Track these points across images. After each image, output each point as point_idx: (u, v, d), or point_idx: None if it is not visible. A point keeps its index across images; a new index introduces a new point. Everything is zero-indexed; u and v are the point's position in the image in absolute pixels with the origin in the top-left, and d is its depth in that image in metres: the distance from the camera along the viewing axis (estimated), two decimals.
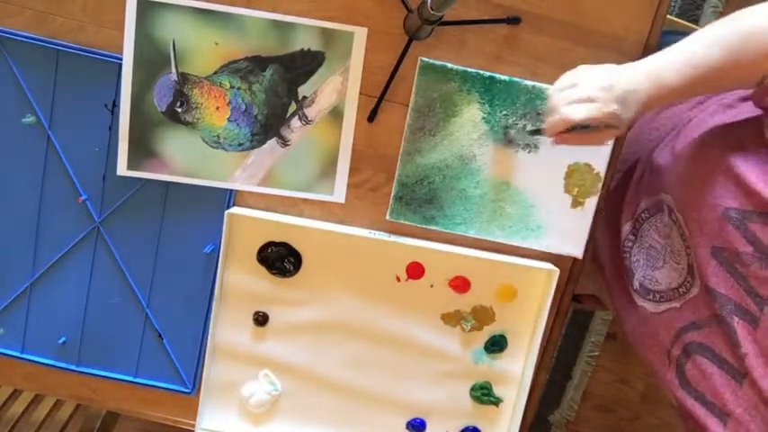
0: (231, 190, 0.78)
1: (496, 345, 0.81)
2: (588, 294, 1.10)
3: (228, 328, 0.80)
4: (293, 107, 0.75)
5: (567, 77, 0.63)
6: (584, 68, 0.63)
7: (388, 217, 0.78)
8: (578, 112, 0.60)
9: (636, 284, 0.77)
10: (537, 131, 0.70)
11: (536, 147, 0.76)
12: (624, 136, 0.78)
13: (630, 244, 0.79)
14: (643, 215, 0.78)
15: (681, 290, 0.69)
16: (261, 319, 0.80)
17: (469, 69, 0.74)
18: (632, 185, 0.83)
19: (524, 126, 0.75)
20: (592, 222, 0.78)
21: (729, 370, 0.61)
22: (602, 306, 1.10)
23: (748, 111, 0.66)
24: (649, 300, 0.74)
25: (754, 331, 0.58)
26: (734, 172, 0.60)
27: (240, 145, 0.76)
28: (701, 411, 0.64)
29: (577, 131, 0.61)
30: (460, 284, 0.80)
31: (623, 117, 0.60)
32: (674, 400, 0.69)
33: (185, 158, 0.76)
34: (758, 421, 0.58)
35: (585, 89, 0.60)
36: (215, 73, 0.74)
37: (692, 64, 0.59)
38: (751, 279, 0.58)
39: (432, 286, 0.80)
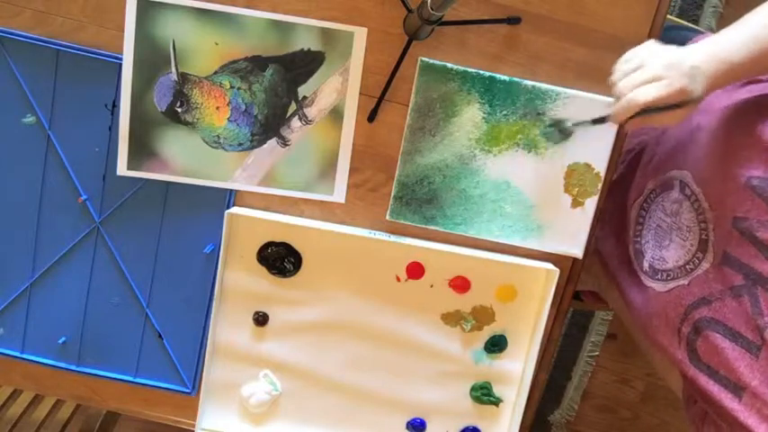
0: (231, 190, 0.78)
1: (496, 345, 0.81)
2: (588, 291, 1.10)
3: (228, 328, 0.80)
4: (293, 107, 0.75)
5: (629, 60, 0.62)
6: (647, 46, 0.63)
7: (388, 217, 0.78)
8: (646, 94, 0.59)
9: (645, 266, 0.77)
10: (601, 120, 0.68)
11: (536, 146, 0.76)
12: (625, 132, 0.78)
13: (640, 227, 0.80)
14: (651, 196, 0.79)
15: (688, 266, 0.69)
16: (261, 319, 0.80)
17: (469, 69, 0.74)
18: (639, 171, 0.83)
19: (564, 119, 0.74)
20: (592, 222, 0.78)
21: (743, 343, 0.61)
22: (602, 303, 1.10)
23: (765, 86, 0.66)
24: (657, 279, 0.74)
25: None
26: (760, 139, 0.61)
27: (240, 145, 0.76)
28: (714, 388, 0.64)
29: (648, 114, 0.59)
30: (460, 284, 0.80)
31: (694, 93, 0.59)
32: (686, 379, 0.69)
33: (185, 158, 0.76)
34: None
35: (651, 69, 0.60)
36: (215, 73, 0.74)
37: (752, 41, 0.58)
38: None
39: (432, 286, 0.80)
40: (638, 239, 0.80)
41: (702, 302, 0.66)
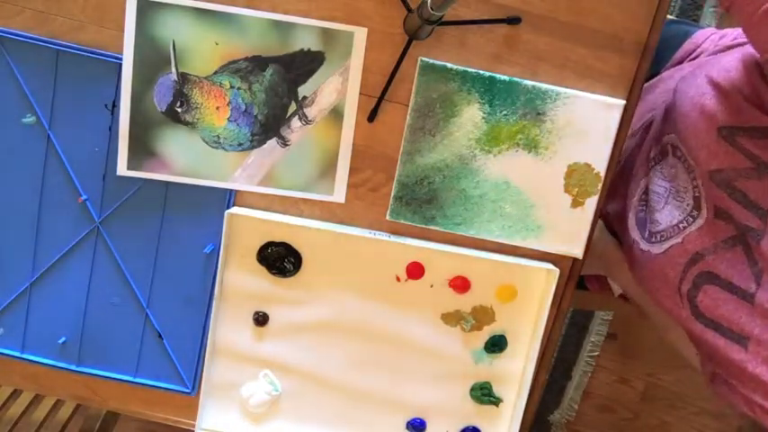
0: (231, 190, 0.78)
1: (496, 345, 0.81)
2: (593, 276, 1.10)
3: (228, 328, 0.80)
4: (293, 107, 0.75)
5: None
6: None
7: (388, 217, 0.78)
8: None
9: (646, 233, 0.79)
10: None
11: (536, 146, 0.76)
12: (625, 135, 0.78)
13: (645, 195, 0.82)
14: (650, 164, 0.81)
15: (681, 225, 0.71)
16: (261, 319, 0.80)
17: (469, 69, 0.74)
18: (646, 143, 0.85)
19: None
20: (592, 222, 0.78)
21: (739, 292, 0.62)
22: (607, 290, 1.10)
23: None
24: (654, 242, 0.76)
25: (759, 246, 0.59)
26: (719, 86, 0.64)
27: (240, 145, 0.76)
28: (720, 342, 0.65)
29: None
30: (460, 284, 0.80)
31: None
32: (694, 339, 0.71)
33: (185, 158, 0.76)
34: None
35: None
36: (215, 73, 0.74)
37: None
38: (750, 194, 0.60)
39: (432, 286, 0.80)
40: (643, 208, 0.82)
41: (698, 258, 0.68)
